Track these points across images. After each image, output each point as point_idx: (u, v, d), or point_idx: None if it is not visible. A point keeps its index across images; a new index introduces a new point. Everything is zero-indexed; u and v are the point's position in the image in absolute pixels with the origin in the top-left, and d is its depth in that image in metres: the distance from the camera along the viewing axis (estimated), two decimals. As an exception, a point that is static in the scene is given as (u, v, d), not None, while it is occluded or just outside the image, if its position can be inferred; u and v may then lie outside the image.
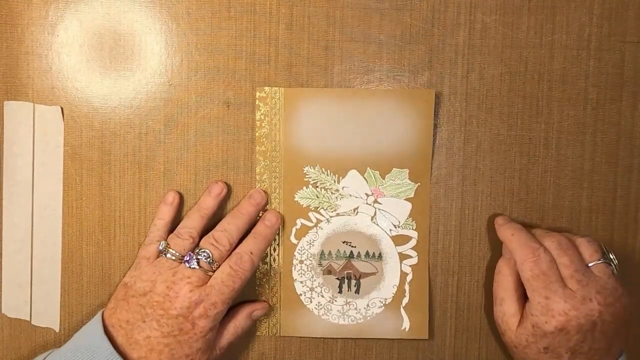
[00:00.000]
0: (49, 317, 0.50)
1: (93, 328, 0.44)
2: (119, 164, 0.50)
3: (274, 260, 0.50)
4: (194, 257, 0.45)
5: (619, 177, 0.51)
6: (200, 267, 0.44)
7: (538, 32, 0.50)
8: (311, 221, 0.50)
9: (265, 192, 0.49)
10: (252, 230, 0.48)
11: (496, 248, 0.51)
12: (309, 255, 0.50)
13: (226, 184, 0.49)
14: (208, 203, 0.48)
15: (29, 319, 0.50)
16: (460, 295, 0.51)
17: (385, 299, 0.50)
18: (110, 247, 0.50)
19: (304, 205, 0.50)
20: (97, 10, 0.49)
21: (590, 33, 0.50)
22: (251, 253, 0.46)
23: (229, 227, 0.47)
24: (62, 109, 0.49)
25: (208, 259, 0.45)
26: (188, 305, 0.43)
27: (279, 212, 0.49)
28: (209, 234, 0.46)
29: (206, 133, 0.50)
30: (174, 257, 0.45)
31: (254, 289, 0.50)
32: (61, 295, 0.50)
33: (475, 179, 0.50)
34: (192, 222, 0.47)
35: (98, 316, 0.45)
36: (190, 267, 0.44)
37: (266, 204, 0.49)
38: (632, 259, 0.51)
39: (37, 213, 0.50)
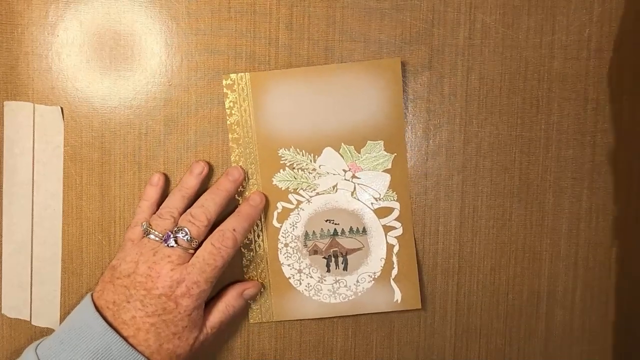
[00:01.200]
0: (49, 317, 0.50)
1: (84, 308, 0.44)
2: (119, 164, 0.50)
3: (259, 246, 0.50)
4: (172, 236, 0.45)
5: (619, 177, 0.51)
6: (179, 245, 0.45)
7: (538, 32, 0.50)
8: (292, 203, 0.50)
9: (242, 168, 0.49)
10: (236, 209, 0.48)
11: (496, 248, 0.51)
12: (293, 237, 0.50)
13: (208, 163, 0.49)
14: (190, 182, 0.48)
15: (29, 319, 0.50)
16: (460, 295, 0.51)
17: (374, 272, 0.50)
18: (110, 247, 0.50)
19: (283, 188, 0.50)
20: (97, 10, 0.49)
21: (590, 33, 0.50)
22: (234, 230, 0.46)
23: (206, 203, 0.47)
24: (62, 109, 0.49)
25: (186, 237, 0.45)
26: (170, 285, 0.43)
27: (263, 193, 0.49)
28: (187, 211, 0.47)
29: (206, 133, 0.50)
30: (156, 238, 0.45)
31: (242, 277, 0.50)
32: (61, 295, 0.50)
33: (476, 179, 0.50)
34: (173, 202, 0.47)
35: (87, 297, 0.45)
36: (169, 246, 0.45)
37: (244, 180, 0.49)
38: (633, 258, 0.51)
39: (37, 213, 0.50)
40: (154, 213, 0.48)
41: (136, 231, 0.47)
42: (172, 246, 0.44)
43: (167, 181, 0.49)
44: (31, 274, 0.50)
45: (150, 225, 0.46)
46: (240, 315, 0.50)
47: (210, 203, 0.47)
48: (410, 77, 0.50)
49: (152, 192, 0.48)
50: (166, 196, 0.49)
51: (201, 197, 0.47)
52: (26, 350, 0.44)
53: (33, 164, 0.49)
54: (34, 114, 0.49)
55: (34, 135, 0.49)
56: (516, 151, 0.50)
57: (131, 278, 0.44)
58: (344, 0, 0.49)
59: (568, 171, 0.50)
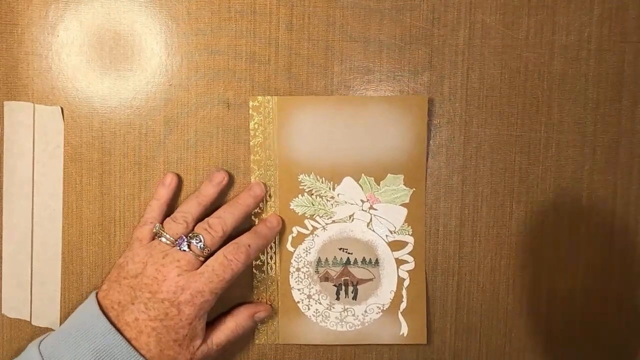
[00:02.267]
0: (49, 317, 0.50)
1: (88, 307, 0.44)
2: (119, 164, 0.50)
3: (271, 268, 0.50)
4: (186, 241, 0.45)
5: (619, 177, 0.51)
6: (191, 250, 0.44)
7: (538, 32, 0.50)
8: (307, 229, 0.50)
9: (265, 184, 0.49)
10: (253, 228, 0.48)
11: (496, 248, 0.51)
12: (306, 262, 0.50)
13: (228, 173, 0.49)
14: (208, 190, 0.48)
15: (29, 319, 0.50)
16: (460, 295, 0.51)
17: (383, 304, 0.50)
18: (110, 247, 0.50)
19: (300, 213, 0.50)
20: (97, 10, 0.49)
21: (590, 33, 0.50)
22: (249, 246, 0.46)
23: (224, 214, 0.47)
24: (62, 109, 0.49)
25: (199, 244, 0.44)
26: (174, 290, 0.43)
27: (280, 217, 0.50)
28: (204, 219, 0.46)
29: (206, 133, 0.50)
30: (167, 241, 0.45)
31: (251, 297, 0.50)
32: (61, 295, 0.50)
33: (476, 179, 0.50)
34: (188, 207, 0.47)
35: (92, 296, 0.45)
36: (181, 249, 0.44)
37: (264, 197, 0.49)
38: (633, 258, 0.51)
39: (37, 213, 0.50)
40: (164, 213, 0.48)
41: (144, 230, 0.47)
42: (184, 250, 0.44)
43: (179, 182, 0.49)
44: (31, 274, 0.50)
45: (162, 228, 0.46)
46: (246, 342, 0.50)
47: (228, 215, 0.46)
48: (410, 77, 0.50)
49: (163, 192, 0.48)
50: (177, 197, 0.49)
51: (220, 208, 0.47)
52: (29, 346, 0.44)
53: (33, 164, 0.49)
54: (34, 114, 0.49)
55: (34, 135, 0.49)
56: (516, 151, 0.50)
57: (138, 279, 0.44)
58: (344, 0, 0.49)
59: (568, 171, 0.50)
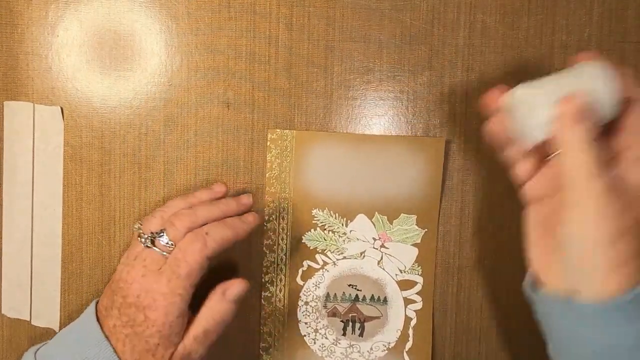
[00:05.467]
0: (49, 317, 0.50)
1: (86, 314, 0.43)
2: (119, 164, 0.50)
3: (280, 300, 0.50)
4: (149, 237, 0.40)
5: (619, 177, 0.51)
6: (155, 247, 0.40)
7: (538, 32, 0.50)
8: (318, 263, 0.50)
9: (251, 195, 0.47)
10: (223, 220, 0.43)
11: (496, 248, 0.51)
12: (315, 297, 0.50)
13: (226, 188, 0.47)
14: (201, 195, 0.45)
15: (29, 319, 0.50)
16: (460, 295, 0.51)
17: (389, 343, 0.50)
18: (110, 247, 0.50)
19: (311, 247, 0.50)
20: (97, 10, 0.49)
21: (590, 33, 0.50)
22: (206, 233, 0.40)
23: (199, 208, 0.42)
24: (62, 109, 0.49)
25: (162, 238, 0.40)
26: (138, 293, 0.39)
27: (258, 215, 0.45)
28: (176, 211, 0.42)
29: (206, 133, 0.50)
30: (141, 240, 0.41)
31: (258, 328, 0.50)
32: (61, 295, 0.50)
33: (475, 179, 0.50)
34: (172, 203, 0.44)
35: (92, 303, 0.44)
36: (145, 246, 0.40)
37: (250, 208, 0.46)
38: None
39: (37, 213, 0.50)
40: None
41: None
42: (148, 247, 0.40)
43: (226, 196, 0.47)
44: (31, 274, 0.50)
45: (141, 224, 0.42)
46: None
47: (202, 209, 0.42)
48: (410, 77, 0.50)
49: (203, 194, 0.45)
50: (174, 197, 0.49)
51: (199, 204, 0.44)
52: (25, 355, 0.43)
53: (33, 164, 0.49)
54: (34, 114, 0.49)
55: (34, 135, 0.49)
56: (516, 151, 0.50)
57: (116, 283, 0.41)
58: (344, 0, 0.49)
59: (568, 171, 0.50)
